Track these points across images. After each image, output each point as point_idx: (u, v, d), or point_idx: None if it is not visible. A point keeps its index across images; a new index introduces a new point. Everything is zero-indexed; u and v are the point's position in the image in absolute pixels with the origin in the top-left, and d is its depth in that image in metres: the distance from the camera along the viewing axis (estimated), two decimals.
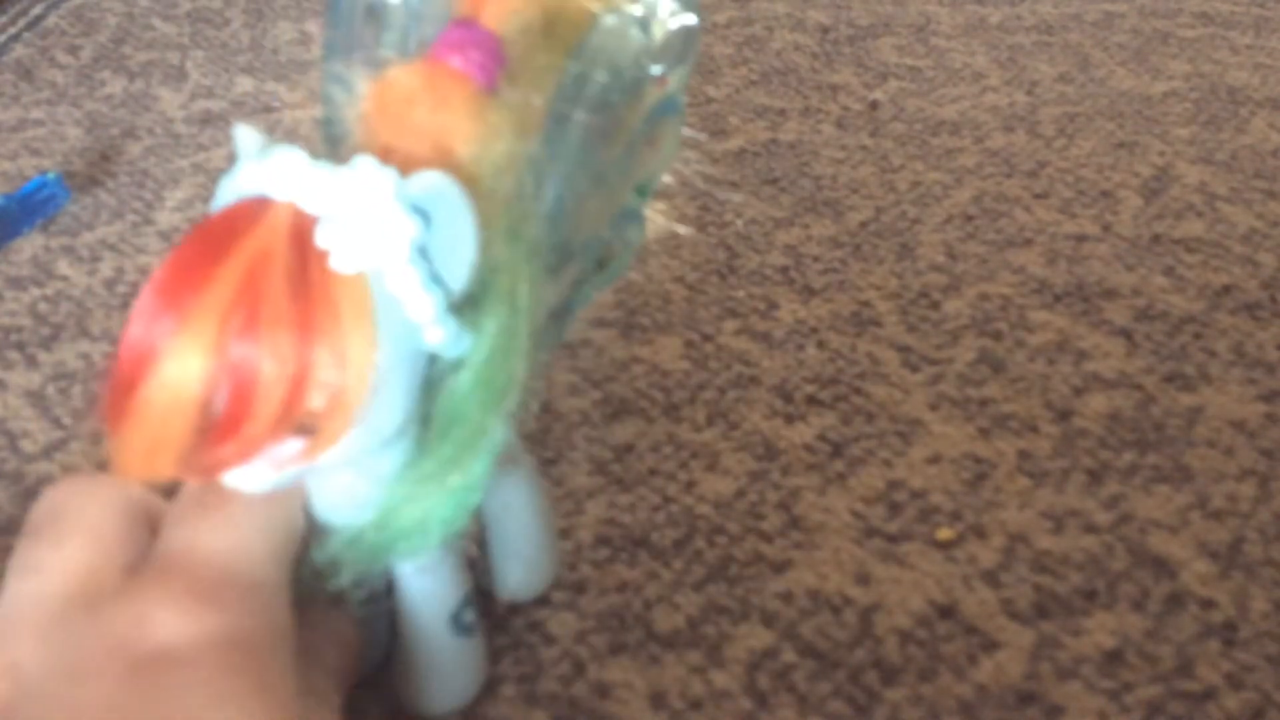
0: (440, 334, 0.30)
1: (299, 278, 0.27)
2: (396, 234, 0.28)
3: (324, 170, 0.28)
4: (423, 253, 0.29)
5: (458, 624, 0.37)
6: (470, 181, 0.30)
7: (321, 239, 0.28)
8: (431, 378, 0.31)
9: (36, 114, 0.77)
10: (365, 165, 0.28)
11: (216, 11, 0.92)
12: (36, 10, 0.91)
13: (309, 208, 0.28)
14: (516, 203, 0.31)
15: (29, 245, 0.65)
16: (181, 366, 0.26)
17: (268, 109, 0.78)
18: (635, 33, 0.38)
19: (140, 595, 0.27)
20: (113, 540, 0.30)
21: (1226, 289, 0.61)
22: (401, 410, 0.30)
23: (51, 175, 0.67)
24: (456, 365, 0.31)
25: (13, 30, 0.89)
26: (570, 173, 0.36)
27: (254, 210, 0.28)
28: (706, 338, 0.57)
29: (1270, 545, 0.47)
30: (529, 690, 0.41)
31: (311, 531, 0.33)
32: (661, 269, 0.62)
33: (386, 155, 0.30)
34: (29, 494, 0.49)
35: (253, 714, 0.26)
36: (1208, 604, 0.44)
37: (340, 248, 0.28)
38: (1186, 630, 0.43)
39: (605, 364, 0.56)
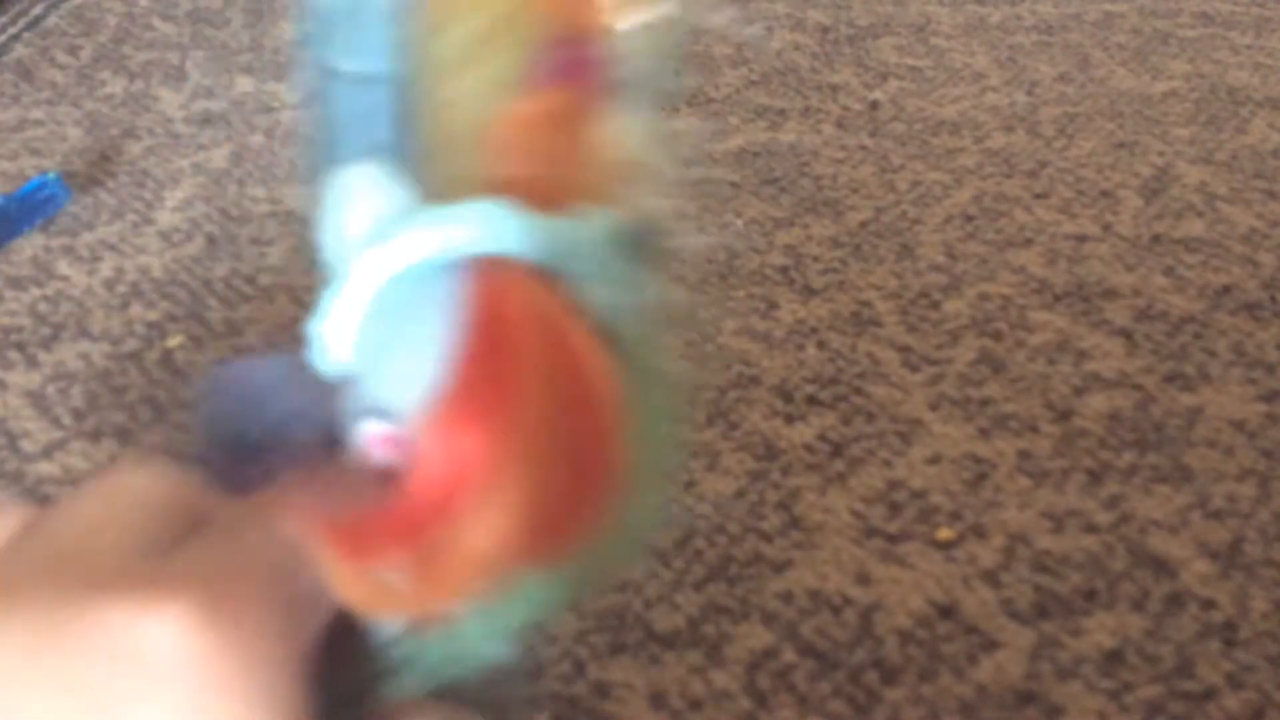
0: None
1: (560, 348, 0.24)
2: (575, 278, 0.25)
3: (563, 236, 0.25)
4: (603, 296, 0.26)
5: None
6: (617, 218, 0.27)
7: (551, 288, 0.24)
8: None
9: (36, 114, 0.78)
10: (590, 218, 0.25)
11: (216, 11, 0.92)
12: (36, 10, 0.91)
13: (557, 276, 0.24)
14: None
15: (29, 245, 0.65)
16: (498, 504, 0.23)
17: (268, 109, 0.78)
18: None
19: (143, 593, 0.25)
20: (131, 514, 0.27)
21: (1226, 289, 0.61)
22: None
23: (51, 175, 0.67)
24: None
25: (13, 30, 0.89)
26: None
27: (488, 280, 0.24)
28: (706, 338, 0.57)
29: (1270, 545, 0.47)
30: (529, 690, 0.41)
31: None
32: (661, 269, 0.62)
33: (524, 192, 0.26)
34: (29, 494, 0.49)
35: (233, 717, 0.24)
36: (1208, 604, 0.44)
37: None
38: (1186, 630, 0.43)
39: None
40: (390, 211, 0.26)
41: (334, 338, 0.26)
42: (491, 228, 0.25)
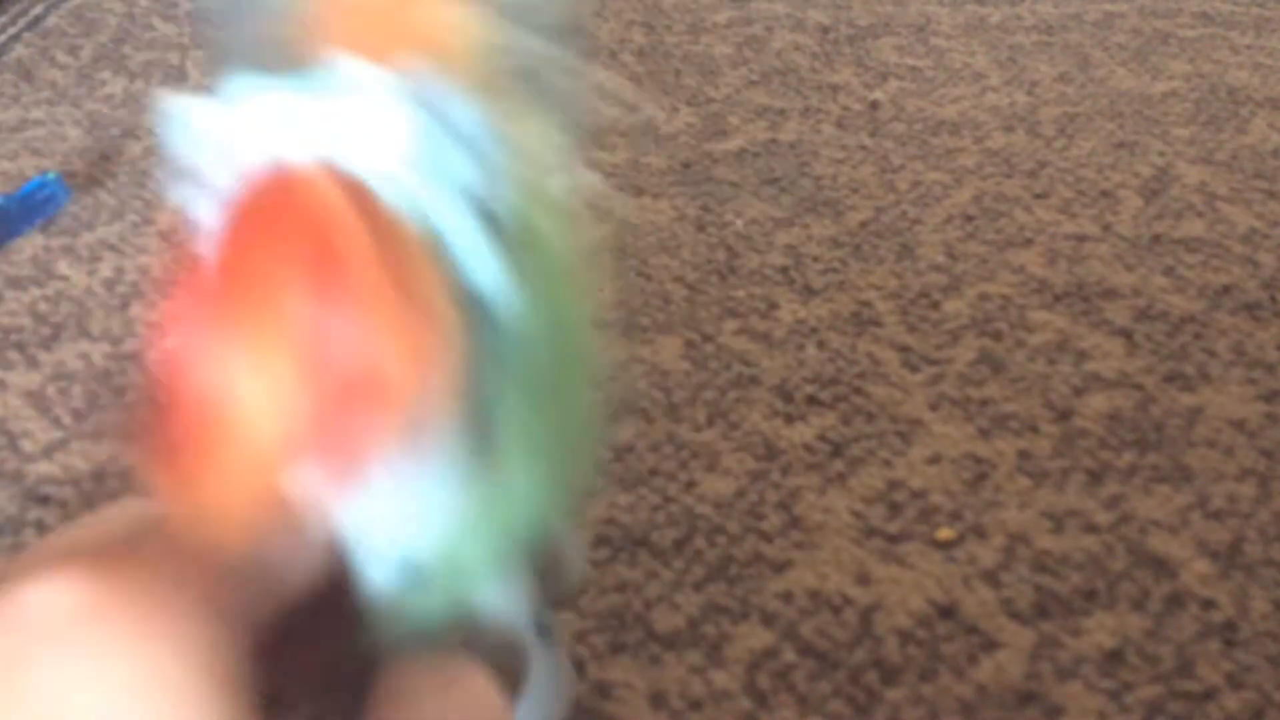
0: (491, 268, 0.25)
1: (372, 245, 0.23)
2: (415, 142, 0.24)
3: (295, 91, 0.24)
4: (454, 164, 0.25)
5: (540, 626, 0.34)
6: (464, 72, 0.26)
7: (353, 176, 0.23)
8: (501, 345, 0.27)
9: (36, 114, 0.77)
10: (339, 64, 0.24)
11: (217, 12, 0.92)
12: (36, 10, 0.91)
13: (342, 161, 0.24)
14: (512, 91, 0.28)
15: (29, 245, 0.65)
16: (260, 381, 0.23)
17: None
18: None
19: (38, 567, 0.26)
20: (104, 526, 0.29)
21: (1226, 289, 0.61)
22: (476, 372, 0.26)
23: (51, 175, 0.67)
24: (534, 305, 0.26)
25: (13, 30, 0.89)
26: None
27: (288, 184, 0.24)
28: (706, 338, 0.57)
29: (1270, 545, 0.47)
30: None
31: (365, 566, 0.29)
32: (661, 269, 0.62)
33: (357, 50, 0.25)
34: (29, 494, 0.49)
35: (136, 672, 0.24)
36: (1208, 604, 0.44)
37: (373, 178, 0.23)
38: (1186, 630, 0.43)
39: (605, 364, 0.55)
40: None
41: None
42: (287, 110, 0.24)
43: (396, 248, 0.23)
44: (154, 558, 0.26)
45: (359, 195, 0.23)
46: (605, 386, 0.30)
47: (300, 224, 0.23)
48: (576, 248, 0.29)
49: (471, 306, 0.25)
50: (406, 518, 0.28)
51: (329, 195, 0.23)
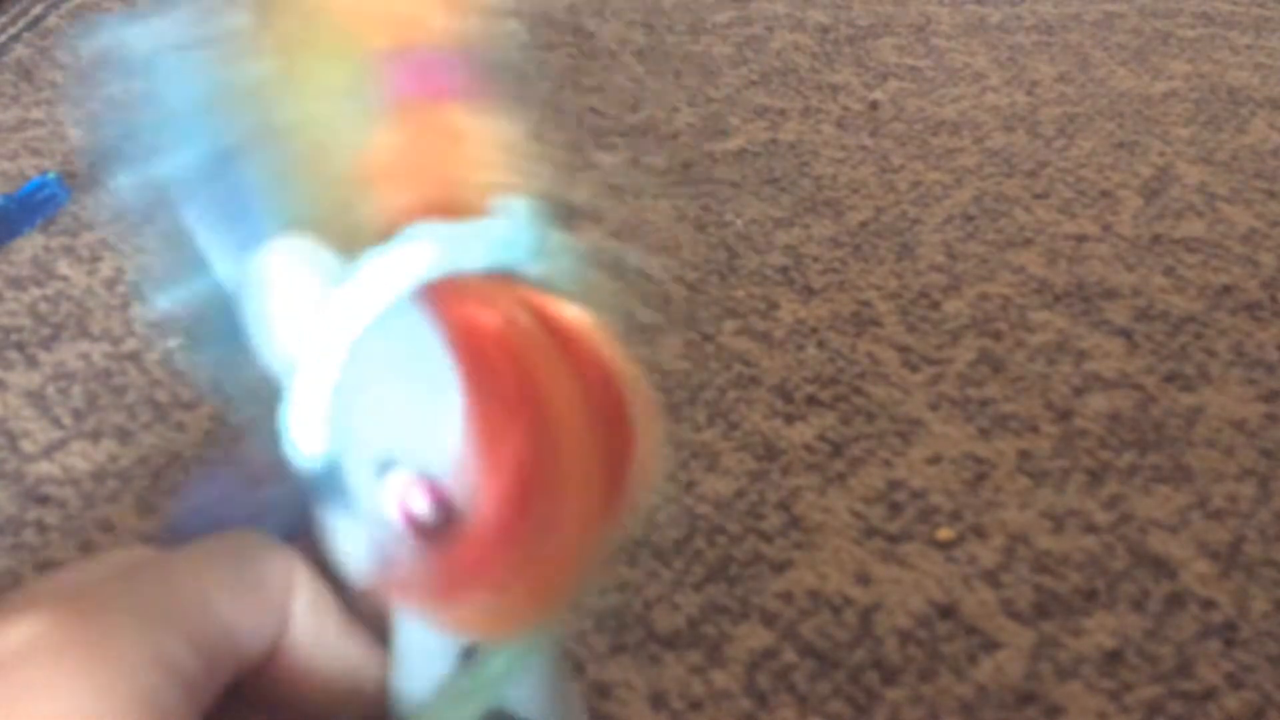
0: None
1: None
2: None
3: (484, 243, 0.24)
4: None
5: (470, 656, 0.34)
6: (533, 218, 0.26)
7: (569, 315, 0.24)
8: None
9: (36, 114, 0.78)
10: (509, 209, 0.25)
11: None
12: (36, 10, 0.91)
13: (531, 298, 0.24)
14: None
15: (29, 245, 0.65)
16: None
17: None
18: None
19: (17, 609, 0.27)
20: (96, 568, 0.30)
21: (1226, 289, 0.61)
22: None
23: (51, 175, 0.67)
24: None
25: (13, 30, 0.89)
26: None
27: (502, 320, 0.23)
28: (706, 338, 0.57)
29: (1270, 545, 0.47)
30: None
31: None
32: (661, 269, 0.62)
33: (433, 209, 0.26)
34: (29, 494, 0.49)
35: (80, 705, 0.25)
36: (1208, 604, 0.44)
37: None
38: (1186, 630, 0.43)
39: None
40: (319, 280, 0.25)
41: (305, 426, 0.25)
42: (424, 252, 0.24)
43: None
44: (119, 608, 0.27)
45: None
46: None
47: (514, 334, 0.23)
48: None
49: None
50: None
51: (506, 299, 0.23)
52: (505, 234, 0.25)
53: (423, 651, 0.30)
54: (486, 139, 0.27)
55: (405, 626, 0.31)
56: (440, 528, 0.23)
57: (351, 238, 0.25)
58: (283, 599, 0.30)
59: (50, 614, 0.26)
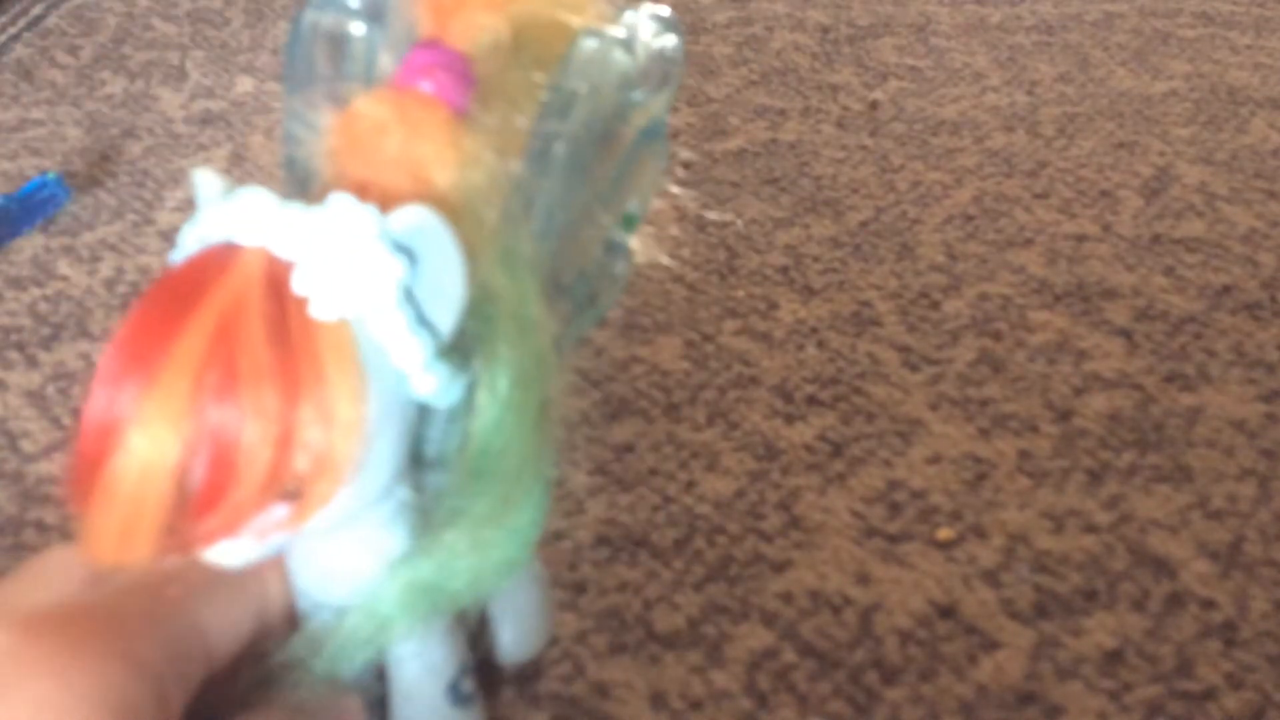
0: (431, 382, 0.27)
1: (277, 328, 0.25)
2: (381, 276, 0.26)
3: (296, 211, 0.26)
4: (409, 295, 0.27)
5: (456, 694, 0.34)
6: (453, 212, 0.28)
7: (299, 285, 0.25)
8: (451, 419, 0.29)
9: (36, 114, 0.78)
10: (341, 203, 0.26)
11: (216, 11, 0.92)
12: (36, 10, 0.91)
13: (282, 252, 0.26)
14: (507, 226, 0.30)
15: (29, 245, 0.65)
16: (152, 437, 0.24)
17: (268, 109, 0.78)
18: (618, 54, 0.36)
19: None
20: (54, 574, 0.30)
21: (1226, 289, 0.61)
22: (391, 466, 0.28)
23: (51, 175, 0.67)
24: (476, 403, 0.29)
25: (13, 30, 0.89)
26: (555, 199, 0.34)
27: (222, 258, 0.25)
28: (706, 338, 0.57)
29: (1270, 545, 0.47)
30: (529, 690, 0.41)
31: (306, 616, 0.31)
32: (661, 269, 0.62)
33: (362, 191, 0.27)
34: (29, 494, 0.49)
35: (45, 698, 0.26)
36: (1208, 604, 0.44)
37: (320, 294, 0.25)
38: (1186, 630, 0.43)
39: (605, 364, 0.56)
40: (202, 201, 0.28)
41: None
42: (245, 215, 0.26)
43: (301, 338, 0.25)
44: (89, 613, 0.28)
45: (280, 283, 0.25)
46: (556, 470, 0.32)
47: (216, 297, 0.25)
48: (543, 355, 0.31)
49: (394, 387, 0.27)
50: (329, 572, 0.30)
51: (249, 277, 0.25)
52: (330, 231, 0.26)
53: (416, 689, 0.32)
54: (450, 152, 0.29)
55: (399, 667, 0.32)
56: None
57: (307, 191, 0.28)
58: (259, 598, 0.31)
59: (21, 620, 0.27)
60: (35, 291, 0.61)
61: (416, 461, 0.30)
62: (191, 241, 0.27)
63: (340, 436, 0.25)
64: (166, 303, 0.25)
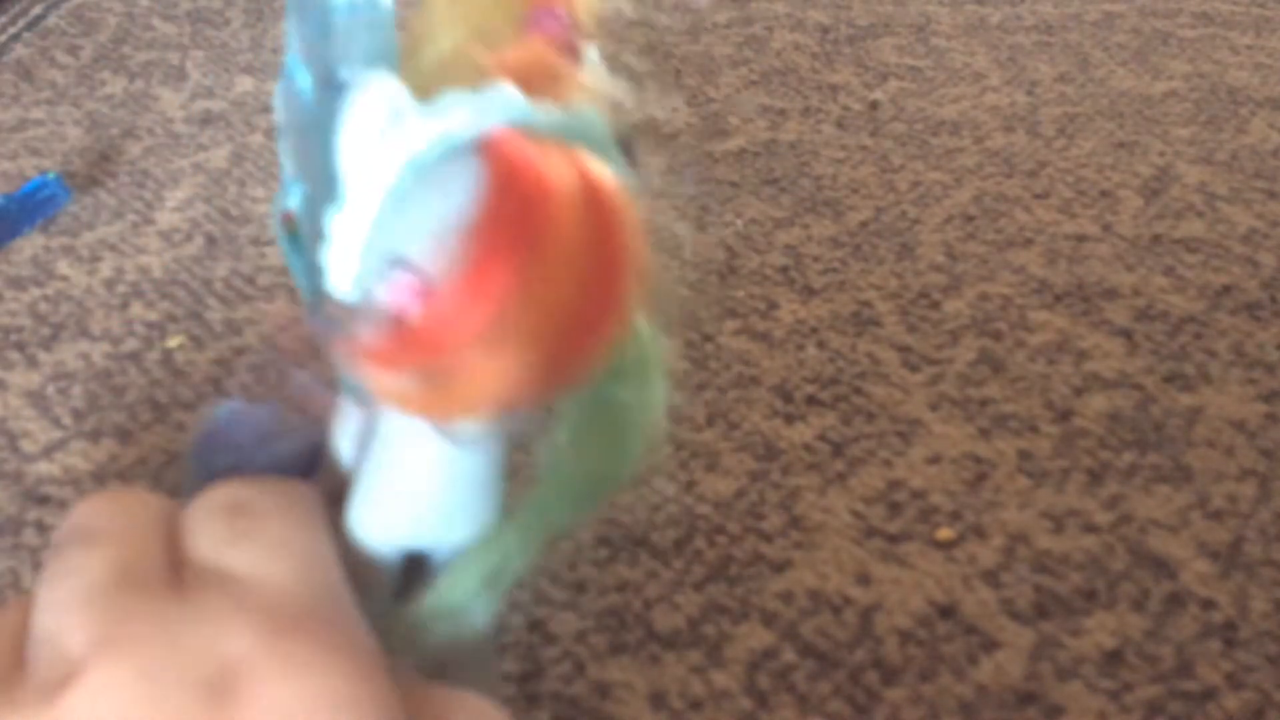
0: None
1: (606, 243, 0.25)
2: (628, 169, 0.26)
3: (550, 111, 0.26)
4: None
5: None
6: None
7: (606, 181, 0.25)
8: None
9: (36, 114, 0.78)
10: (587, 104, 0.27)
11: (216, 11, 0.92)
12: (36, 10, 0.91)
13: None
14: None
15: (29, 245, 0.65)
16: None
17: (268, 109, 0.78)
18: None
19: (207, 613, 0.26)
20: (141, 542, 0.29)
21: (1226, 289, 0.61)
22: None
23: (51, 175, 0.67)
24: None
25: (13, 30, 0.89)
26: None
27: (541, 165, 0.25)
28: (706, 338, 0.57)
29: (1270, 545, 0.47)
30: (529, 690, 0.41)
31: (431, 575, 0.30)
32: (662, 269, 0.62)
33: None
34: (29, 494, 0.49)
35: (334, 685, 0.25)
36: (1208, 604, 0.44)
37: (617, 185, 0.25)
38: (1186, 630, 0.43)
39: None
40: (398, 112, 0.26)
41: (338, 262, 0.26)
42: (497, 107, 0.25)
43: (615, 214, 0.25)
44: (316, 608, 0.27)
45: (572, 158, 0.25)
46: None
47: (548, 180, 0.25)
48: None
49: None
50: (434, 513, 0.29)
51: (557, 156, 0.25)
52: (576, 119, 0.26)
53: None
54: (584, 83, 0.29)
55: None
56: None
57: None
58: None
59: (272, 624, 0.26)
60: (35, 291, 0.61)
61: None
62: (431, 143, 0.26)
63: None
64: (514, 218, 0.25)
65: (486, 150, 0.25)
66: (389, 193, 0.25)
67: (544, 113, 0.26)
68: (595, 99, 0.28)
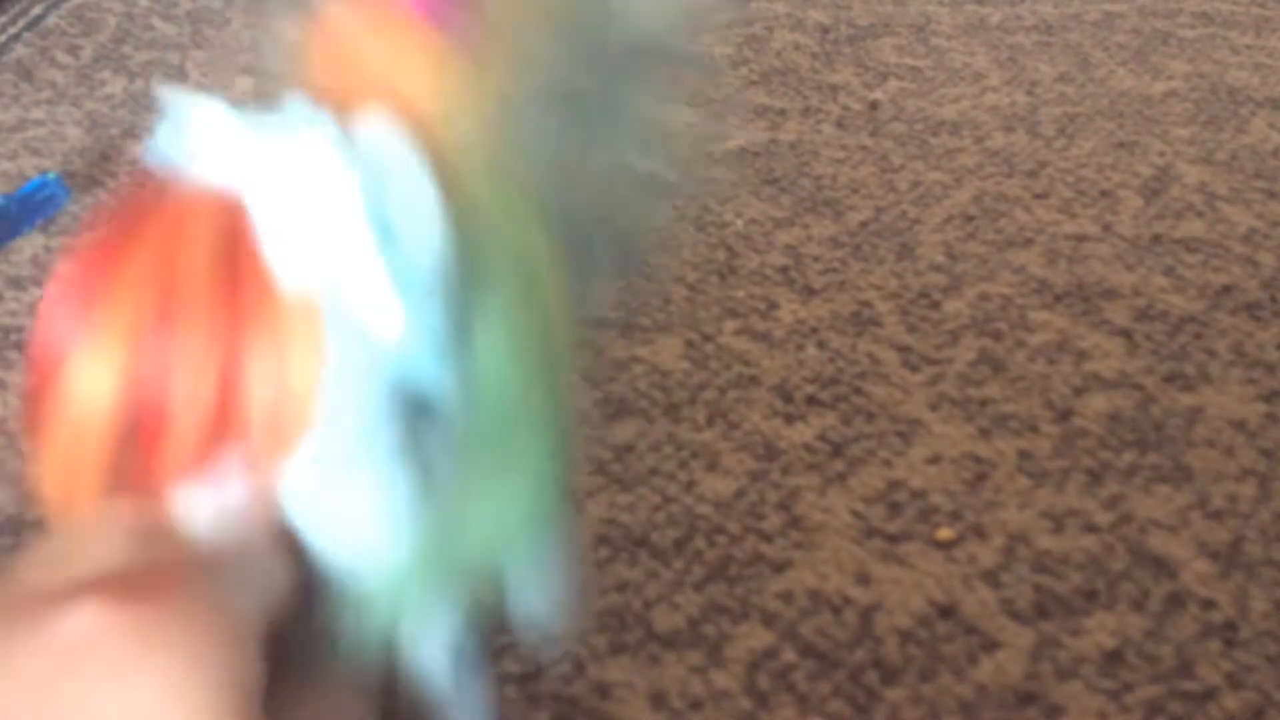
0: (400, 318, 0.24)
1: (225, 266, 0.23)
2: (340, 190, 0.23)
3: (249, 123, 0.24)
4: (376, 213, 0.24)
5: (467, 673, 0.34)
6: (428, 127, 0.25)
7: (254, 217, 0.23)
8: (444, 355, 0.27)
9: (36, 114, 0.78)
10: (298, 109, 0.24)
11: (216, 11, 0.92)
12: (36, 10, 0.91)
13: (238, 176, 0.23)
14: (496, 145, 0.27)
15: (29, 245, 0.65)
16: (91, 375, 0.22)
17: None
18: None
19: (67, 594, 0.26)
20: (80, 552, 0.29)
21: (1226, 289, 0.61)
22: (366, 410, 0.25)
23: (51, 175, 0.67)
24: (472, 339, 0.26)
25: (13, 30, 0.89)
26: (543, 125, 0.30)
27: (170, 185, 0.24)
28: (706, 338, 0.57)
29: (1270, 545, 0.47)
30: (529, 690, 0.41)
31: (339, 581, 0.28)
32: (662, 269, 0.62)
33: (329, 103, 0.25)
34: (29, 494, 0.49)
35: (171, 699, 0.25)
36: (1208, 604, 0.44)
37: (275, 223, 0.23)
38: (1186, 630, 0.43)
39: (605, 364, 0.56)
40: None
41: None
42: (219, 125, 0.25)
43: (250, 282, 0.23)
44: (171, 580, 0.26)
45: (236, 227, 0.23)
46: (578, 414, 0.30)
47: (160, 231, 0.23)
48: (551, 271, 0.28)
49: (362, 350, 0.25)
50: (337, 523, 0.28)
51: (200, 218, 0.23)
52: (303, 137, 0.25)
53: (429, 667, 0.30)
54: (433, 73, 0.26)
55: (415, 646, 0.31)
56: None
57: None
58: (268, 585, 0.29)
59: (111, 597, 0.25)
60: (35, 291, 0.61)
61: (413, 403, 0.27)
62: (152, 160, 0.25)
63: (295, 384, 0.23)
64: (113, 232, 0.23)
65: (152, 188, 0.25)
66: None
67: (268, 127, 0.24)
68: (407, 96, 0.26)
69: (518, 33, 0.29)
